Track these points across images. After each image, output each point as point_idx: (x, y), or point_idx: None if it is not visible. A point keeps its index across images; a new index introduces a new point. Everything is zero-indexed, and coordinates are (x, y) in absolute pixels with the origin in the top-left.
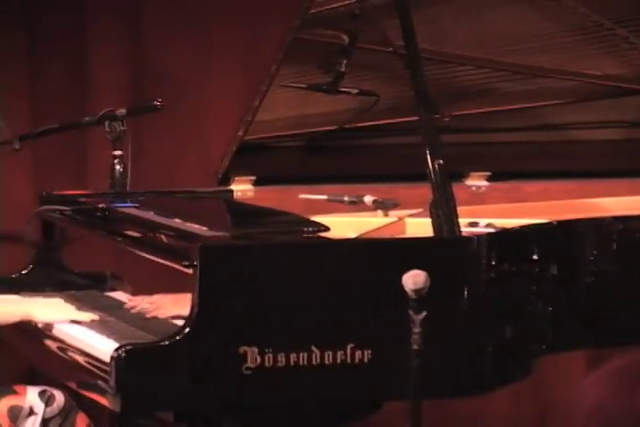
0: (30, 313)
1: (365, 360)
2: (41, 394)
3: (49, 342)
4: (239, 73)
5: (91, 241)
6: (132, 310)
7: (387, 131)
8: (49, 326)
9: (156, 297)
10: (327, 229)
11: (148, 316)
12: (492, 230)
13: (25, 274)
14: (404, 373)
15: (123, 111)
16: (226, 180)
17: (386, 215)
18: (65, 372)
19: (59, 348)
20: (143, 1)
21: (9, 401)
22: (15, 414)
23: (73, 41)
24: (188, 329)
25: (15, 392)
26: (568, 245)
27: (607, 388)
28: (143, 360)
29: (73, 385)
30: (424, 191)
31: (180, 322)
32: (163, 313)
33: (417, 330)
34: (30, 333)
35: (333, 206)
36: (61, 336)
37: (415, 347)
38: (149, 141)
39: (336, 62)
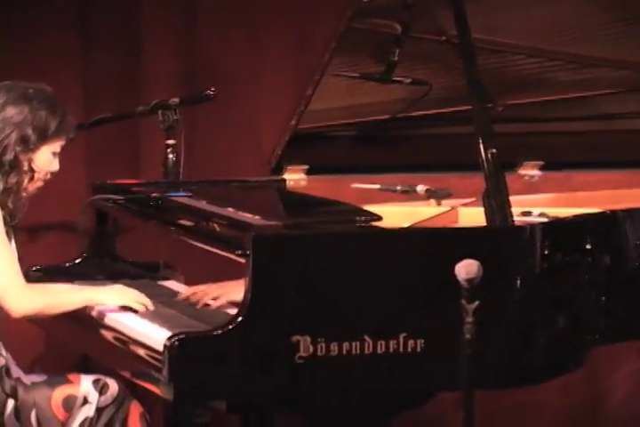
0: (96, 299)
1: (418, 350)
2: (94, 383)
3: (102, 331)
4: (292, 63)
5: (144, 230)
6: (187, 301)
7: (440, 120)
8: (102, 315)
9: (210, 286)
10: (380, 218)
11: (200, 305)
12: (544, 220)
13: (78, 263)
14: (456, 363)
15: (176, 100)
16: (278, 169)
17: (438, 205)
18: (118, 361)
19: (112, 337)
20: None
21: (64, 391)
22: (70, 405)
23: (127, 31)
24: (240, 318)
25: (69, 382)
26: (620, 234)
27: (637, 382)
28: (196, 349)
29: (127, 374)
30: (477, 181)
31: (233, 311)
32: (216, 302)
33: (469, 320)
34: (84, 322)
35: (386, 196)
36: (115, 325)
37: (467, 337)
38: (202, 131)
39: (389, 52)
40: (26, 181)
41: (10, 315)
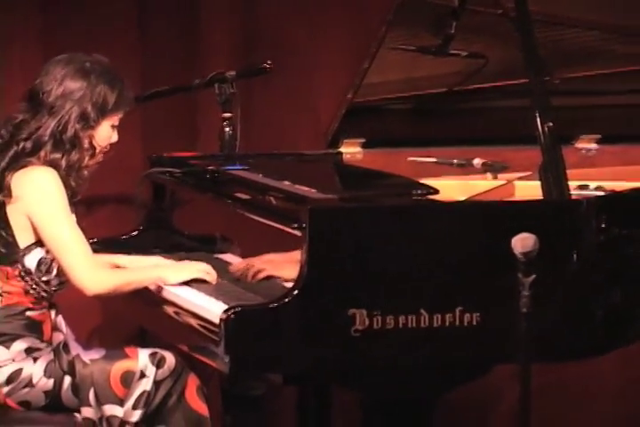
0: (163, 277)
1: (474, 323)
2: (151, 356)
3: (160, 304)
4: (349, 35)
5: (200, 203)
6: (238, 273)
7: (496, 93)
8: (160, 289)
9: (265, 258)
10: (436, 191)
11: (258, 278)
12: (601, 193)
13: (135, 236)
14: (513, 336)
15: (232, 73)
16: (335, 142)
17: (495, 178)
18: (175, 334)
19: (169, 310)
20: None
21: (122, 367)
22: (128, 381)
23: (185, 4)
24: (296, 291)
25: (127, 356)
26: None
27: None
28: (251, 322)
29: (184, 347)
30: (533, 154)
31: (289, 284)
32: (272, 275)
33: (526, 293)
34: (141, 295)
35: (442, 169)
36: (172, 298)
37: (524, 310)
38: (259, 104)
39: (445, 24)
40: (87, 157)
41: (84, 293)
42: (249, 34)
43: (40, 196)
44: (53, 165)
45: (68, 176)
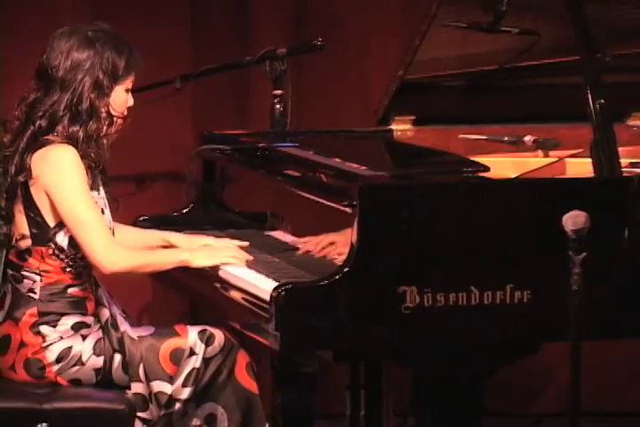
0: (188, 260)
1: (525, 301)
2: (200, 334)
3: (210, 281)
4: (400, 12)
5: (251, 180)
6: (300, 252)
7: (547, 70)
8: (212, 266)
9: (320, 237)
10: (487, 169)
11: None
12: None
13: (186, 213)
14: (563, 314)
15: (283, 51)
16: (386, 119)
17: (546, 155)
18: (227, 311)
19: (220, 287)
20: None
21: (171, 344)
22: (178, 358)
23: None
24: (347, 269)
25: (177, 334)
26: None
27: None
28: (302, 299)
29: (235, 325)
30: (585, 131)
31: (339, 261)
32: (323, 253)
33: (577, 271)
34: (192, 271)
35: (493, 146)
36: (223, 275)
37: (575, 288)
38: (310, 81)
39: (497, 1)
40: (105, 126)
41: (100, 272)
42: (300, 11)
43: (57, 175)
44: (72, 138)
45: (88, 147)
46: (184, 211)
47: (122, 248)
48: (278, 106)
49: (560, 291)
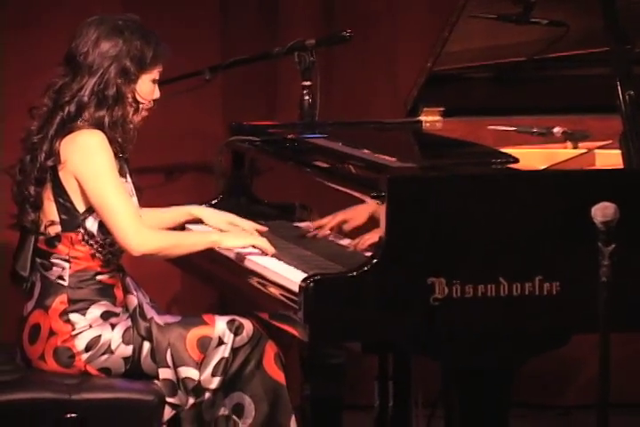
0: (218, 241)
1: (554, 292)
2: (229, 324)
3: (239, 272)
4: (429, 4)
5: (280, 171)
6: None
7: (577, 62)
8: (240, 257)
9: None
10: (516, 160)
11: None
12: None
13: (215, 204)
14: (592, 305)
15: (312, 42)
16: (415, 111)
17: (575, 147)
18: (255, 302)
19: (249, 278)
20: None
21: (198, 332)
22: (205, 346)
23: None
24: (375, 260)
25: (205, 323)
26: None
27: None
28: (331, 290)
29: (264, 315)
30: (614, 123)
31: (369, 253)
32: (351, 243)
33: (606, 262)
34: (221, 262)
35: (522, 138)
36: (252, 266)
37: (604, 279)
38: (339, 72)
39: None
40: (131, 112)
41: (129, 253)
42: (329, 2)
43: (85, 158)
44: (99, 123)
45: (114, 132)
46: (213, 202)
47: (150, 230)
48: (307, 97)
49: (589, 283)
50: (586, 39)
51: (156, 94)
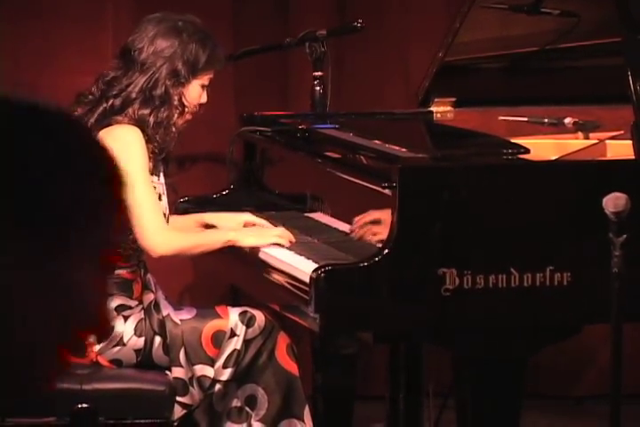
0: (235, 240)
1: (565, 283)
2: (241, 315)
3: (251, 263)
4: None
5: (291, 162)
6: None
7: (589, 52)
8: (251, 248)
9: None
10: (527, 151)
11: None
12: None
13: (226, 194)
14: (604, 296)
15: (323, 32)
16: (426, 101)
17: (586, 137)
18: (267, 293)
19: (260, 269)
20: None
21: (213, 326)
22: (219, 341)
23: None
24: (386, 250)
25: (218, 316)
26: None
27: None
28: (342, 281)
29: (275, 306)
30: (626, 113)
31: (379, 243)
32: (362, 235)
33: (617, 253)
34: (233, 253)
35: (534, 128)
36: (263, 257)
37: (615, 270)
38: (350, 63)
39: None
40: (176, 115)
41: (149, 254)
42: None
43: (119, 153)
44: (141, 121)
45: (155, 132)
46: (224, 192)
47: (171, 230)
48: (318, 88)
49: (600, 273)
50: (597, 29)
51: (204, 99)
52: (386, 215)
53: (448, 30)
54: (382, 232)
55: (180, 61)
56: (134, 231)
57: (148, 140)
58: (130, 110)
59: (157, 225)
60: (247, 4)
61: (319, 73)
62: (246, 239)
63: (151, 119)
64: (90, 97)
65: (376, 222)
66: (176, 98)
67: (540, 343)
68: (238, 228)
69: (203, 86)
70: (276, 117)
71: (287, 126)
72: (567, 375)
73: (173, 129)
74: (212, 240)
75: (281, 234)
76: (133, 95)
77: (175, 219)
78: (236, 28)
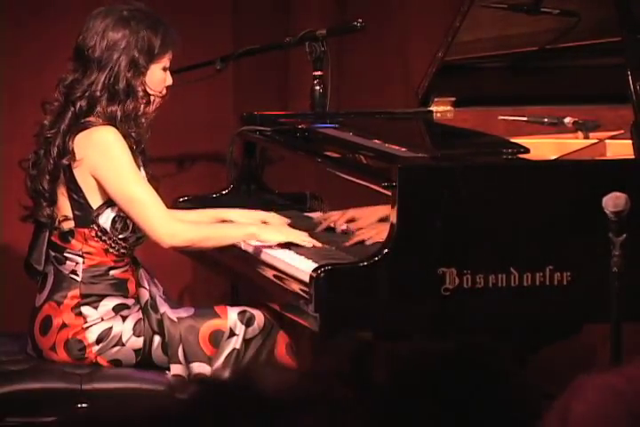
0: (257, 234)
1: (565, 282)
2: (240, 315)
3: (250, 263)
4: None
5: (291, 161)
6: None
7: (588, 52)
8: (250, 246)
9: (350, 212)
10: (527, 150)
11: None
12: None
13: (226, 193)
14: (604, 295)
15: (323, 32)
16: (426, 101)
17: (586, 137)
18: (266, 292)
19: (261, 268)
20: None
21: (211, 325)
22: (217, 340)
23: None
24: (386, 250)
25: (217, 316)
26: None
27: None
28: (342, 280)
29: (274, 306)
30: (626, 113)
31: (379, 243)
32: (362, 234)
33: (617, 253)
34: (232, 253)
35: (533, 128)
36: (262, 257)
37: (615, 270)
38: (350, 62)
39: None
40: (143, 106)
41: (160, 245)
42: None
43: (103, 156)
44: (112, 118)
45: (127, 127)
46: (224, 192)
47: (179, 222)
48: (318, 87)
49: (600, 272)
50: (597, 29)
51: (169, 81)
52: (385, 215)
53: (448, 30)
54: (382, 232)
55: (136, 50)
56: (141, 228)
57: (124, 136)
58: (98, 109)
59: (163, 217)
60: (247, 3)
61: (319, 72)
62: (268, 234)
63: (119, 113)
64: (55, 104)
65: (374, 222)
66: (140, 89)
67: (541, 343)
68: (257, 223)
69: (164, 69)
70: (276, 117)
71: (287, 126)
72: (567, 374)
73: (143, 120)
74: (228, 233)
75: (306, 238)
76: (98, 93)
77: (187, 214)
78: (236, 27)
